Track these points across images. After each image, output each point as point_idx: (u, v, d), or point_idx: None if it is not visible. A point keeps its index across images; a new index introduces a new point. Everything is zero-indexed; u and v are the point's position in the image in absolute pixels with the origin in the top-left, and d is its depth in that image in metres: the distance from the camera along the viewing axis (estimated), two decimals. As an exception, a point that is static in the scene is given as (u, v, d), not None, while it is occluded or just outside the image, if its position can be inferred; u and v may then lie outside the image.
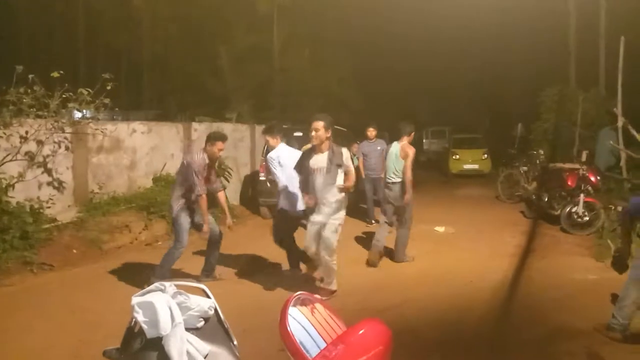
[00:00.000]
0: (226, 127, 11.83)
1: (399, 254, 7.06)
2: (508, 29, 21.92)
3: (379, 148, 9.80)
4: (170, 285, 2.33)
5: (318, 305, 2.20)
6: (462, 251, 7.70)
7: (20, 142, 7.27)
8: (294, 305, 2.07)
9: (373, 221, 9.75)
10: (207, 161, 5.69)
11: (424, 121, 24.00)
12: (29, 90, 7.08)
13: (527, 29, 20.49)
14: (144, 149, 9.63)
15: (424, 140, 24.19)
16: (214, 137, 5.72)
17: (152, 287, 2.33)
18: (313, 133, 5.27)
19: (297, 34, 17.96)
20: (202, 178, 5.62)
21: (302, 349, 1.96)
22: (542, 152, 12.60)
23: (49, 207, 7.45)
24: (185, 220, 5.70)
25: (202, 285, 2.49)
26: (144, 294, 2.28)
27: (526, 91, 20.15)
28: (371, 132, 9.96)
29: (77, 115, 8.94)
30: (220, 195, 6.01)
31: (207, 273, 6.08)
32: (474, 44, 24.78)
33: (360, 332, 1.91)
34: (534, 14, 19.29)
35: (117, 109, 9.85)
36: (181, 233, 5.69)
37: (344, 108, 17.59)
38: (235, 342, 2.41)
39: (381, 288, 6.02)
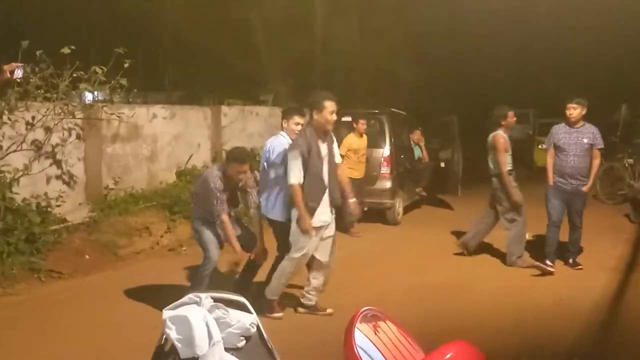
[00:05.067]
0: (261, 112, 12.07)
1: (508, 255, 7.48)
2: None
3: None
4: (206, 297, 2.36)
5: (386, 324, 2.19)
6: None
7: (27, 129, 7.46)
8: (361, 323, 2.05)
9: None
10: (222, 183, 5.44)
11: (499, 102, 23.57)
12: (36, 69, 7.22)
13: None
14: (166, 137, 9.76)
15: None
16: (228, 157, 5.61)
17: (186, 298, 2.37)
18: (334, 116, 5.29)
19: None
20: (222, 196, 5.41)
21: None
22: None
23: (58, 206, 7.60)
24: (208, 230, 5.58)
25: (242, 299, 2.53)
26: (176, 307, 2.33)
27: (634, 64, 19.42)
28: None
29: (90, 97, 9.15)
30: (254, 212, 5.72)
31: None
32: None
33: (448, 356, 1.85)
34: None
35: (135, 90, 10.32)
36: (207, 245, 5.56)
37: (399, 85, 17.37)
38: (281, 365, 2.42)
39: (450, 306, 6.00)
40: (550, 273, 7.00)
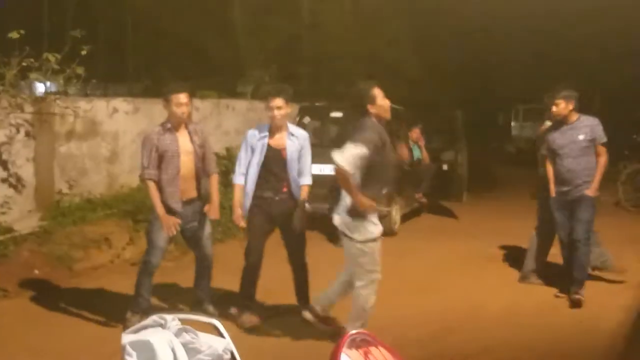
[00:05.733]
0: (239, 106, 12.05)
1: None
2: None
3: None
4: (173, 319, 2.35)
5: (378, 349, 2.19)
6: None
7: (-33, 126, 7.32)
8: (350, 348, 2.05)
9: None
10: (166, 133, 5.67)
11: (510, 97, 23.74)
12: (-21, 56, 7.13)
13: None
14: (129, 134, 9.65)
15: (512, 124, 24.06)
16: (164, 92, 5.75)
17: (149, 320, 2.38)
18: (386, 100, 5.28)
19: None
20: (151, 158, 5.63)
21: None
22: None
23: (3, 213, 7.56)
24: (158, 225, 5.76)
25: (214, 321, 2.55)
26: (137, 331, 2.31)
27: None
28: None
29: (41, 89, 9.02)
30: (213, 180, 6.03)
31: (198, 306, 6.09)
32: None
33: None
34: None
35: (93, 80, 10.12)
36: (151, 242, 5.84)
37: (396, 77, 17.37)
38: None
39: (453, 328, 5.97)
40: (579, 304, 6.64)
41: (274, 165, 5.91)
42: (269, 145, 5.91)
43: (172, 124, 5.72)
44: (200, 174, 5.89)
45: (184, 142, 5.77)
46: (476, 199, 12.00)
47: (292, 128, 6.06)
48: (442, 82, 20.40)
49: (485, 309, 6.60)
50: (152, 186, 5.70)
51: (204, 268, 6.15)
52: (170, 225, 5.65)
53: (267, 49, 15.71)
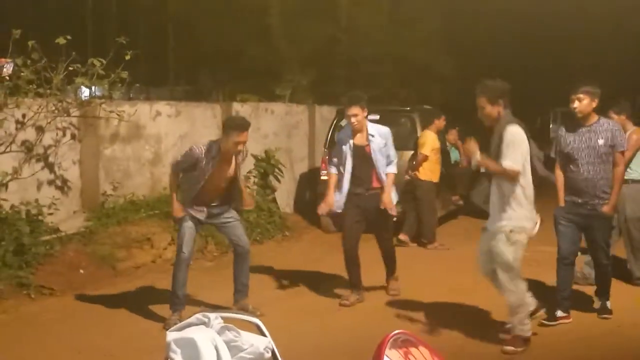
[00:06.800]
0: (277, 109, 11.98)
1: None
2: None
3: None
4: (216, 318, 2.39)
5: (418, 350, 2.19)
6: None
7: (16, 129, 7.51)
8: (391, 349, 2.05)
9: None
10: (210, 156, 5.81)
11: (548, 100, 23.32)
12: (28, 61, 7.27)
13: None
14: (171, 137, 9.75)
15: (550, 126, 23.39)
16: (227, 125, 5.89)
17: (193, 318, 2.40)
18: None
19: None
20: (185, 165, 5.88)
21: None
22: None
23: (50, 214, 7.65)
24: (187, 223, 5.98)
25: (255, 320, 2.57)
26: (182, 329, 2.35)
27: None
28: None
29: (86, 93, 9.26)
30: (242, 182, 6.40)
31: (239, 299, 6.24)
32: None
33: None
34: None
35: (137, 85, 10.45)
36: (180, 238, 6.03)
37: (433, 78, 17.23)
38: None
39: (492, 331, 5.80)
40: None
41: (362, 162, 6.49)
42: (354, 145, 6.49)
43: (222, 152, 5.82)
44: (232, 188, 6.11)
45: (225, 168, 5.93)
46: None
47: (372, 128, 6.57)
48: (478, 83, 20.01)
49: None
50: (173, 179, 6.05)
51: (237, 255, 6.29)
52: (177, 209, 5.92)
53: (304, 53, 15.81)
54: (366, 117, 6.56)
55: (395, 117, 10.37)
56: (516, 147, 5.20)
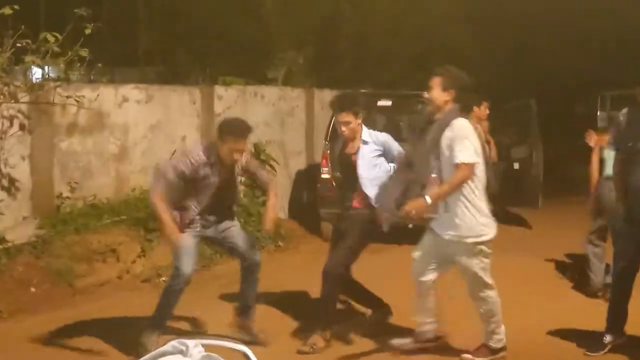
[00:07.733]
0: (268, 93, 11.77)
1: None
2: None
3: None
4: (195, 346, 2.08)
5: None
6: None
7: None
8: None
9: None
10: (204, 162, 5.67)
11: (594, 81, 22.68)
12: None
13: None
14: (141, 128, 9.60)
15: (598, 113, 22.60)
16: (222, 129, 5.77)
17: (167, 346, 2.10)
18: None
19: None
20: (163, 179, 5.67)
21: None
22: None
23: (-6, 220, 7.59)
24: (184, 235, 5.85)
25: (242, 347, 2.19)
26: (154, 359, 2.05)
27: None
28: None
29: (38, 74, 8.95)
30: (271, 187, 6.19)
31: (243, 320, 6.11)
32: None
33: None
34: None
35: (99, 65, 9.89)
36: (179, 254, 5.77)
37: (455, 59, 16.54)
38: None
39: (525, 351, 5.87)
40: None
41: (347, 174, 6.23)
42: (341, 152, 6.29)
43: (221, 159, 5.71)
44: (232, 199, 6.09)
45: (226, 172, 5.85)
46: (554, 205, 11.35)
47: (366, 134, 6.16)
48: (510, 67, 19.82)
49: (559, 328, 6.34)
50: (162, 196, 5.75)
51: (243, 269, 6.15)
52: (174, 231, 5.69)
53: (300, 27, 15.49)
54: (360, 124, 6.14)
55: (410, 104, 10.23)
56: (469, 140, 5.28)
